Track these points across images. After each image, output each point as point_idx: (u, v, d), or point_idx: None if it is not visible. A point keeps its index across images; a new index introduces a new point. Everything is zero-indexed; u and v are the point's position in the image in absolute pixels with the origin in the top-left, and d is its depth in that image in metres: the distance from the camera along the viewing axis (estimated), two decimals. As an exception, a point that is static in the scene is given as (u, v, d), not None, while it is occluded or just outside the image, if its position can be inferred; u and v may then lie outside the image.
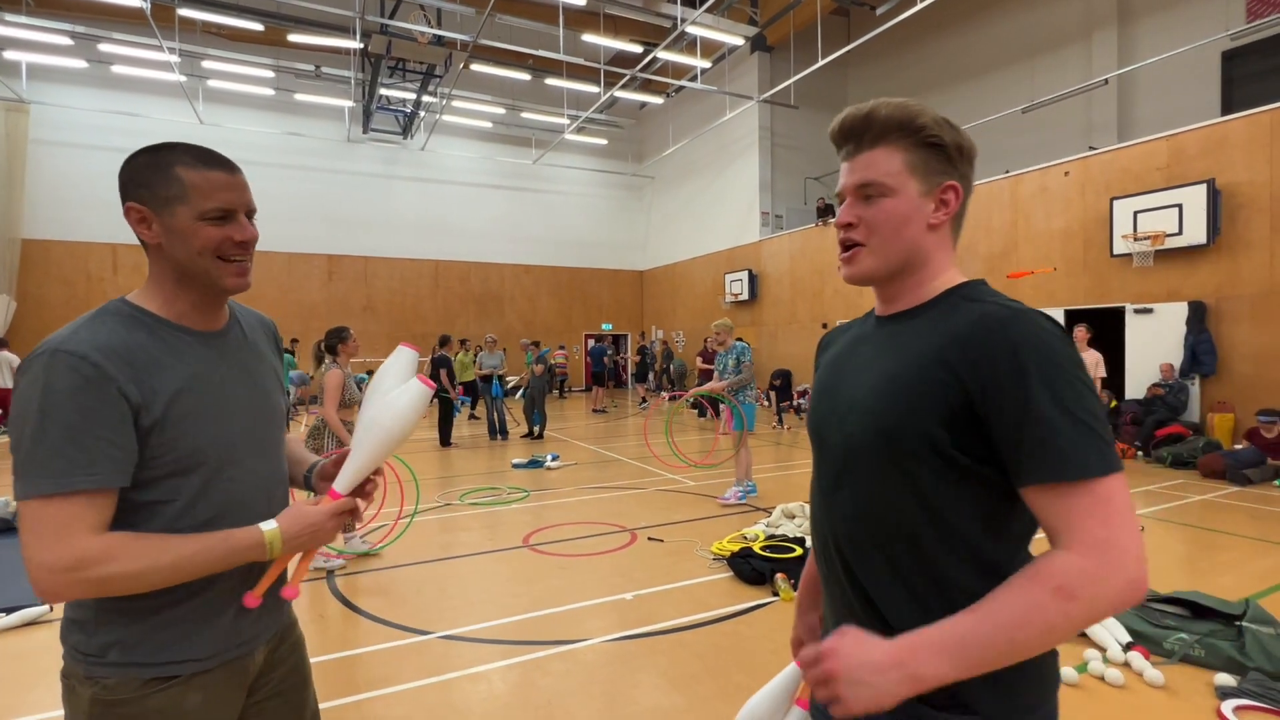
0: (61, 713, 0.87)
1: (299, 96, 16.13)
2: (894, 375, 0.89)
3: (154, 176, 1.01)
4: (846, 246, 0.96)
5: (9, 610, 3.49)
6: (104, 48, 13.46)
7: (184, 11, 11.41)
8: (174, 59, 12.94)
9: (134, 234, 1.03)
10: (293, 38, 13.36)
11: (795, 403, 12.67)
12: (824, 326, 13.99)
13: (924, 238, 0.93)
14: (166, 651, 1.02)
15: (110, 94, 15.14)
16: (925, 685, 0.75)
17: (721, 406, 6.39)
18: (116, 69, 14.16)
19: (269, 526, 1.04)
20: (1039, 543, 0.73)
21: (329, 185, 17.64)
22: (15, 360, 11.79)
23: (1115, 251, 9.13)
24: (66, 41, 13.34)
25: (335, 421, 4.39)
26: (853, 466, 0.92)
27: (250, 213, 1.07)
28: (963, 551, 0.85)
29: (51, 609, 3.57)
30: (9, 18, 12.19)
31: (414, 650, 3.16)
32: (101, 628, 1.01)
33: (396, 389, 1.18)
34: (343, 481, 1.15)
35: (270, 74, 15.27)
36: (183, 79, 13.87)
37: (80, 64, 14.06)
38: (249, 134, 16.41)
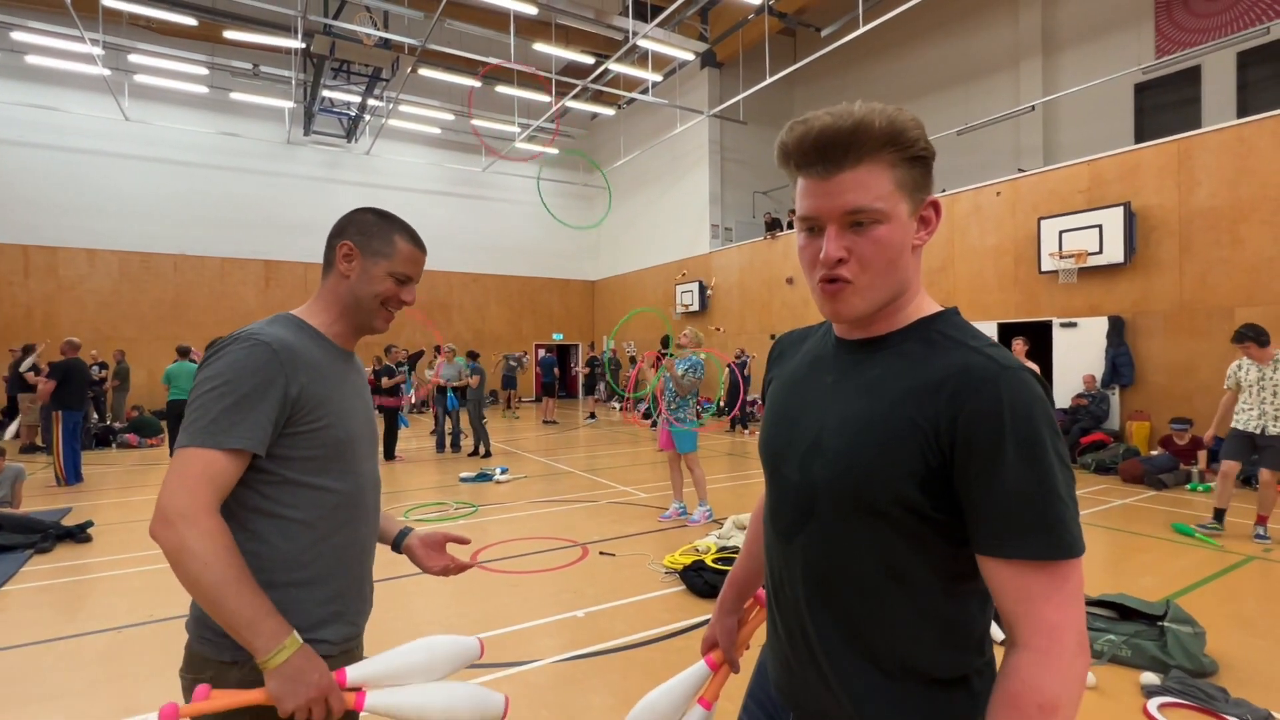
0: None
1: (235, 95, 15.42)
2: (866, 421, 0.83)
3: (377, 232, 1.26)
4: (830, 280, 0.83)
5: None
6: (17, 36, 12.46)
7: (108, 2, 10.73)
8: (97, 51, 12.15)
9: (326, 261, 1.27)
10: (229, 35, 12.81)
11: (747, 412, 12.76)
12: (771, 338, 14.24)
13: (910, 263, 0.84)
14: (313, 632, 1.14)
15: (25, 86, 14.13)
16: None
17: (660, 420, 6.03)
18: (31, 59, 13.26)
19: (293, 643, 1.04)
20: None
21: (267, 188, 16.94)
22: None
23: (1043, 268, 9.65)
24: (-26, 28, 12.41)
25: None
26: (816, 511, 0.87)
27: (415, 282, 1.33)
28: (925, 605, 0.82)
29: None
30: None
31: (354, 678, 3.01)
32: None
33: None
34: (363, 672, 1.12)
35: (204, 71, 14.58)
36: (107, 73, 13.10)
37: (-10, 53, 13.11)
38: (180, 133, 15.65)
